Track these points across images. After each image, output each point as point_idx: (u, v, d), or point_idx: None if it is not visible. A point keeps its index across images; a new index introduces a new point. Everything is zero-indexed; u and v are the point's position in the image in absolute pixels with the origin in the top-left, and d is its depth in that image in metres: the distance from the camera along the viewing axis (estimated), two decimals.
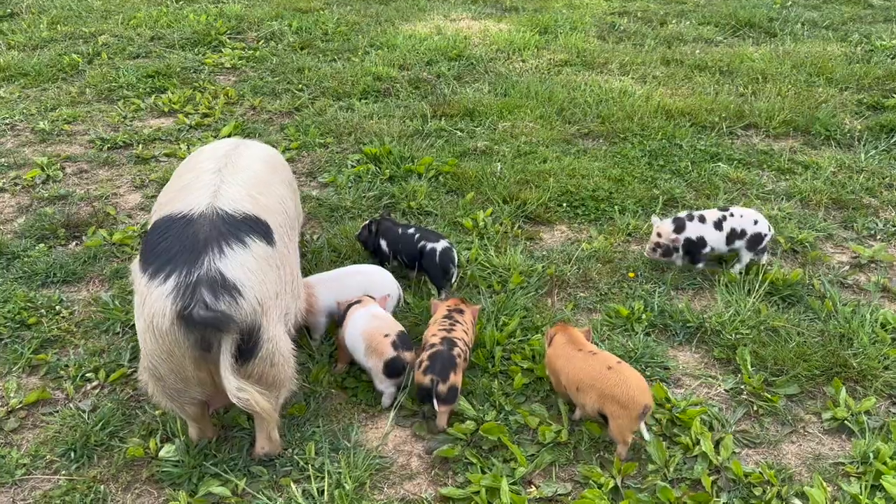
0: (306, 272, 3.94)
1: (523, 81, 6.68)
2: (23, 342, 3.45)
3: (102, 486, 2.74)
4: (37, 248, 4.16)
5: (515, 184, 4.91)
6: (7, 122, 5.84)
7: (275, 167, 3.34)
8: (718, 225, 3.98)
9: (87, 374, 3.27)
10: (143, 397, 3.09)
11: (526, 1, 9.68)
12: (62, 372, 3.29)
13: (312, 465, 2.79)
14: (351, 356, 3.22)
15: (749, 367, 3.36)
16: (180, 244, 2.56)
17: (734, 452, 2.96)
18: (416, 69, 7.05)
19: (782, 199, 4.84)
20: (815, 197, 4.83)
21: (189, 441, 2.87)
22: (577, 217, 4.65)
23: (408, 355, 3.08)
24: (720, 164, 5.29)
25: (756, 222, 3.98)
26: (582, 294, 3.92)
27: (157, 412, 3.02)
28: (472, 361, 3.35)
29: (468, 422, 2.99)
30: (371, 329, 3.13)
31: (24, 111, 6.02)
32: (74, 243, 4.29)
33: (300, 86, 6.63)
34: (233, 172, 2.99)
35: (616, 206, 4.68)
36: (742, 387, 3.30)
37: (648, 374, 3.37)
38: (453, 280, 3.81)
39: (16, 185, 4.90)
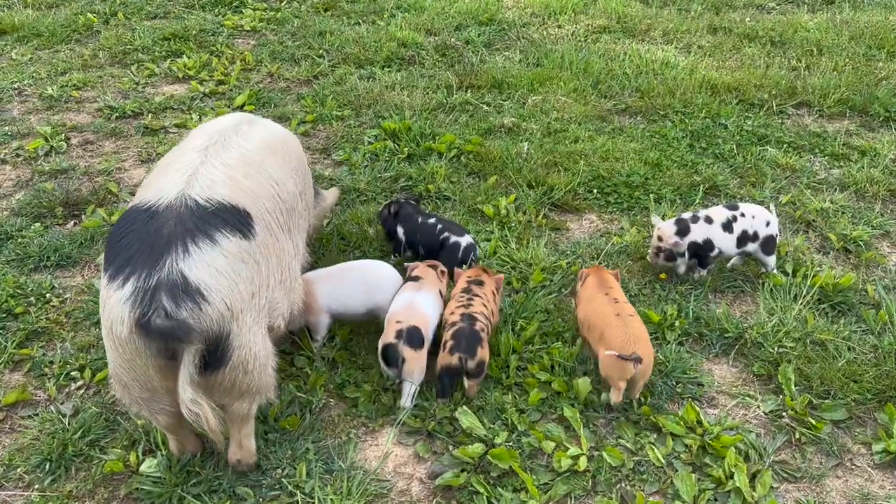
0: (313, 262, 3.68)
1: (558, 50, 6.25)
2: (7, 334, 3.24)
3: None
4: (32, 227, 3.94)
5: (543, 166, 4.55)
6: (15, 86, 5.61)
7: (275, 148, 3.02)
8: (728, 226, 3.55)
9: (72, 373, 3.06)
10: None
11: None
12: (46, 369, 3.09)
13: (302, 490, 2.55)
14: None
15: (792, 387, 3.03)
16: (141, 242, 2.31)
17: (772, 488, 2.65)
18: (443, 34, 6.65)
19: (835, 189, 4.42)
20: (872, 188, 4.40)
21: (171, 456, 2.65)
22: (608, 205, 4.29)
23: (407, 350, 2.84)
24: (768, 147, 4.86)
25: (768, 223, 3.57)
26: None
27: (139, 421, 2.80)
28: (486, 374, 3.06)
29: (476, 444, 2.71)
30: (393, 312, 2.99)
31: (34, 75, 5.79)
32: (73, 223, 4.07)
33: (321, 51, 6.29)
34: (219, 151, 2.71)
35: (652, 194, 4.31)
36: (784, 410, 2.97)
37: (679, 391, 3.06)
38: None
39: (17, 156, 4.69)
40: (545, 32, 6.79)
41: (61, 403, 2.93)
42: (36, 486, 2.60)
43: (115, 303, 2.23)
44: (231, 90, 5.68)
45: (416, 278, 3.18)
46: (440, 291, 3.19)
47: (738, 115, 5.24)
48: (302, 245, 3.07)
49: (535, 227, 4.04)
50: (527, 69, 5.94)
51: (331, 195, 3.87)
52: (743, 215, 3.58)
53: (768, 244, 3.58)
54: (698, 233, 3.55)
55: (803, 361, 3.15)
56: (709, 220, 3.58)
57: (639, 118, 5.32)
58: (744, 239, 3.57)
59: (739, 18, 7.08)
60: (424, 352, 2.91)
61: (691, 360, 3.21)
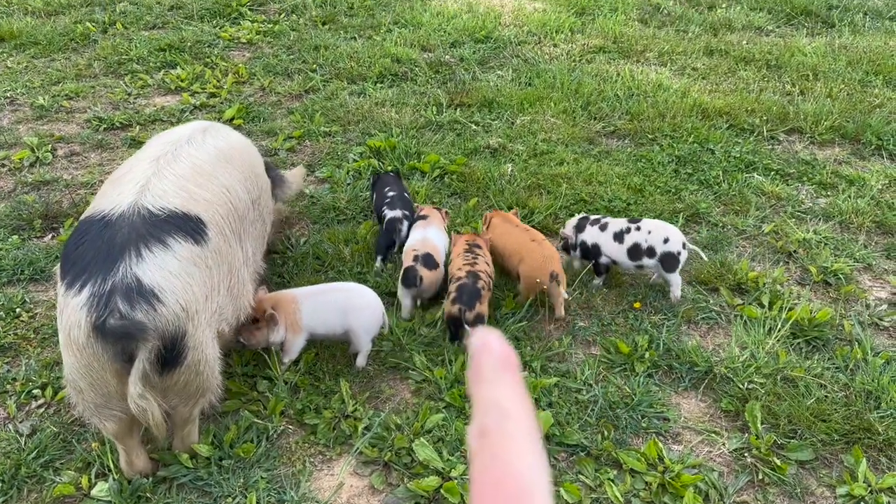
0: (286, 281, 3.68)
1: (551, 70, 6.24)
2: None
3: None
4: (10, 240, 3.95)
5: (525, 188, 4.53)
6: (8, 95, 5.64)
7: (229, 157, 3.07)
8: (619, 237, 3.62)
9: (34, 391, 3.05)
10: (86, 424, 2.88)
11: None
12: (9, 386, 3.08)
13: None
14: None
15: (759, 425, 2.98)
16: (95, 250, 2.40)
17: None
18: (438, 51, 6.65)
19: (819, 219, 4.37)
20: (857, 219, 4.35)
21: (123, 479, 2.63)
22: None
23: (423, 270, 3.43)
24: (755, 174, 4.82)
25: (667, 240, 3.53)
26: (582, 323, 3.55)
27: (94, 444, 2.78)
28: (447, 401, 3.04)
29: (431, 477, 2.68)
30: (409, 245, 3.61)
31: (28, 84, 5.82)
32: (50, 236, 4.07)
33: (314, 66, 6.30)
34: (171, 161, 2.79)
35: None
36: (749, 448, 2.92)
37: (644, 425, 3.02)
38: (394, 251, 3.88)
39: (2, 167, 4.70)
40: (540, 51, 6.77)
41: (20, 422, 2.93)
42: None
43: (73, 309, 2.32)
44: (222, 103, 5.69)
45: (424, 217, 3.81)
46: (444, 227, 3.83)
47: (726, 140, 5.20)
48: (253, 252, 3.10)
49: None
50: (518, 88, 5.92)
51: (295, 178, 3.90)
52: (638, 229, 3.60)
53: (667, 261, 3.54)
54: (589, 235, 3.71)
55: (772, 398, 3.11)
56: (603, 228, 3.69)
57: (627, 141, 5.29)
58: (636, 253, 3.57)
59: (737, 40, 7.04)
60: (438, 272, 3.51)
61: (659, 394, 3.17)
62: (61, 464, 2.76)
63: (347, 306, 3.16)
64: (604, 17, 7.52)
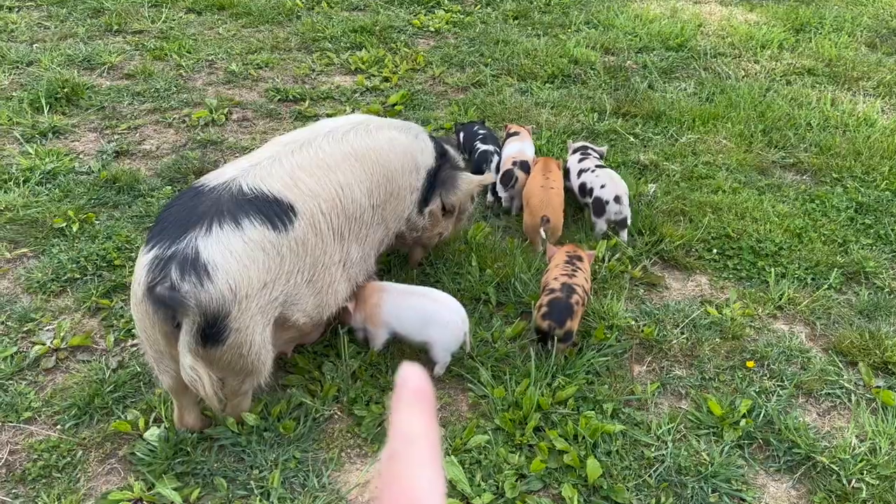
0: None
1: (740, 87, 5.68)
2: (98, 283, 3.59)
3: (81, 452, 2.76)
4: (163, 189, 4.33)
5: (664, 213, 4.16)
6: (210, 58, 6.19)
7: (362, 157, 2.98)
8: (579, 173, 4.05)
9: (133, 331, 3.32)
10: None
11: None
12: (115, 322, 3.38)
13: (265, 499, 2.56)
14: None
15: None
16: (177, 216, 2.49)
17: None
18: (622, 55, 6.31)
19: None
20: None
21: (171, 429, 2.79)
22: (724, 269, 3.82)
23: (519, 173, 4.03)
24: None
25: (603, 186, 3.86)
26: (678, 372, 3.20)
27: (157, 391, 2.97)
28: (498, 425, 2.87)
29: (452, 500, 2.55)
30: (507, 155, 4.20)
31: (229, 50, 6.34)
32: None
33: (488, 60, 6.25)
34: (296, 149, 2.82)
35: (777, 268, 3.77)
36: None
37: (713, 500, 2.65)
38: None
39: (183, 122, 5.17)
40: (736, 66, 6.18)
41: (113, 356, 3.20)
42: (58, 427, 2.87)
43: (139, 266, 2.45)
44: (392, 88, 5.83)
45: (515, 133, 4.37)
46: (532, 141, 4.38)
47: None
48: (362, 256, 3.04)
49: (627, 279, 3.70)
50: (695, 103, 5.45)
51: (470, 182, 3.54)
52: (593, 171, 3.96)
53: (596, 205, 3.88)
54: (571, 160, 4.20)
55: None
56: (580, 159, 4.12)
57: (805, 176, 4.68)
58: (583, 191, 3.99)
59: None
60: (528, 177, 3.99)
61: (743, 469, 2.77)
62: (131, 402, 2.98)
63: (431, 318, 3.05)
64: (823, 36, 6.71)
